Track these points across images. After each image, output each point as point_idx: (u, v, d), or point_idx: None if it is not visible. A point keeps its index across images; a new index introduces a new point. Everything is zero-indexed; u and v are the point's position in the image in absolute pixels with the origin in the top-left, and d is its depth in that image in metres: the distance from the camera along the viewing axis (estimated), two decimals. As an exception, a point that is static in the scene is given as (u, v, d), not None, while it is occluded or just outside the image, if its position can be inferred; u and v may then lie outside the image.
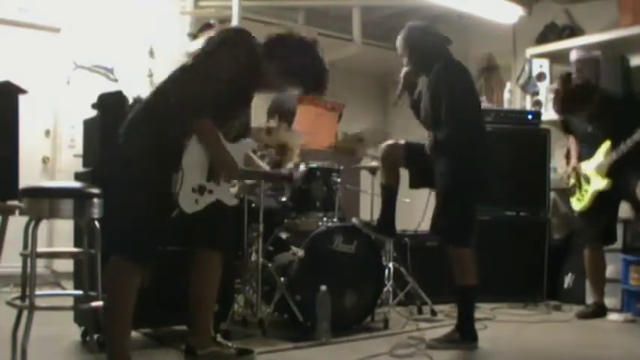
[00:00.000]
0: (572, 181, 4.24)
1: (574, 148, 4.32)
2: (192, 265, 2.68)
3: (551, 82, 5.42)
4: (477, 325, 3.34)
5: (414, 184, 3.52)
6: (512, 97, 5.75)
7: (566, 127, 4.38)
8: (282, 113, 4.47)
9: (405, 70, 3.44)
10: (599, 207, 4.08)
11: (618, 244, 4.38)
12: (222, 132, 2.54)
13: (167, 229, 2.49)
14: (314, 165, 3.81)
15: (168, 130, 2.43)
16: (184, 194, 2.45)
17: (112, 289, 2.46)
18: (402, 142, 3.48)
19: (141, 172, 2.45)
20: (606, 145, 4.01)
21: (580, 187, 4.18)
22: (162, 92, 2.50)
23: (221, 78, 2.42)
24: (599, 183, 4.03)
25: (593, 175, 4.08)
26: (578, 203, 4.22)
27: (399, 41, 3.41)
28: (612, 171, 3.98)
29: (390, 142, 3.57)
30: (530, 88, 5.51)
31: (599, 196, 4.05)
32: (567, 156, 4.40)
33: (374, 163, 4.09)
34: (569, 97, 3.98)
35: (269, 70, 2.61)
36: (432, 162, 3.29)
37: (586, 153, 4.17)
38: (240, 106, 2.70)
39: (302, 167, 3.74)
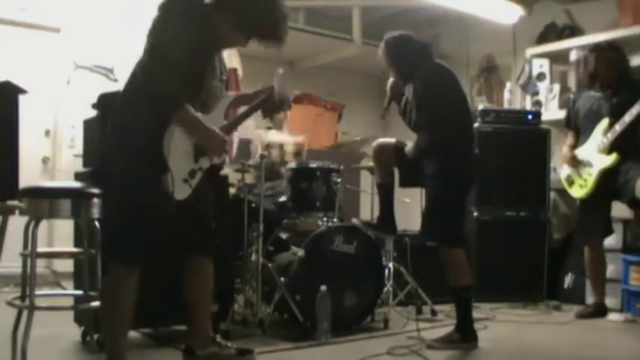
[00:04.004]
0: (569, 170, 4.16)
1: (571, 139, 4.25)
2: (183, 272, 2.64)
3: (551, 82, 5.43)
4: (477, 325, 3.35)
5: (404, 182, 3.53)
6: (512, 97, 5.76)
7: (568, 118, 4.29)
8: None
9: (390, 81, 3.47)
10: (603, 191, 3.96)
11: (618, 244, 4.39)
12: (199, 101, 2.46)
13: (160, 226, 2.44)
14: (314, 165, 3.81)
15: (147, 124, 2.36)
16: (178, 188, 2.41)
17: (108, 290, 2.44)
18: (392, 141, 3.48)
19: (127, 172, 2.40)
20: (604, 123, 3.96)
21: (580, 174, 4.08)
22: (134, 85, 2.46)
23: (179, 57, 2.34)
24: (605, 160, 3.92)
25: (595, 155, 3.98)
26: (580, 190, 4.08)
27: (381, 55, 3.42)
28: (614, 148, 3.90)
29: (380, 140, 3.58)
30: (530, 88, 5.51)
31: (604, 178, 3.92)
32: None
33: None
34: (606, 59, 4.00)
35: (221, 25, 2.49)
36: (420, 162, 3.30)
37: (586, 135, 4.09)
38: (207, 73, 2.56)
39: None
